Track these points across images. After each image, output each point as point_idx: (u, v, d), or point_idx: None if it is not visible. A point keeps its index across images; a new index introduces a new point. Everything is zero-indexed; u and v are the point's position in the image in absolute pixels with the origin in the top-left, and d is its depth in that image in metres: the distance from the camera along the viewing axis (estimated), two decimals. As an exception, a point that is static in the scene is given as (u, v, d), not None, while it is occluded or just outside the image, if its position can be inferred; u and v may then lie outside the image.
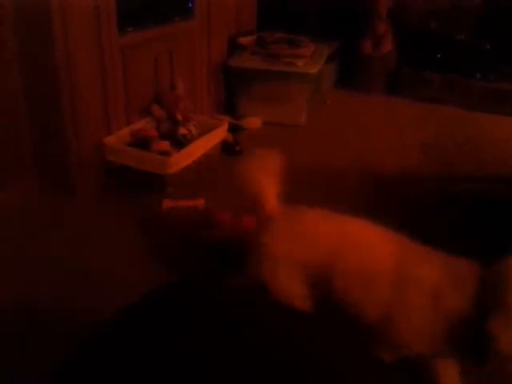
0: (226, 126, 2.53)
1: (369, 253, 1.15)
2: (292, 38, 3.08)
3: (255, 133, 2.85)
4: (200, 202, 2.09)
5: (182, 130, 2.30)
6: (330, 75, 3.49)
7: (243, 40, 3.04)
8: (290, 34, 3.13)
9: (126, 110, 2.26)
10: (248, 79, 2.92)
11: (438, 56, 3.35)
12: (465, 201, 2.25)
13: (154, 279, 1.13)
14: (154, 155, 2.13)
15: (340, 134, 2.92)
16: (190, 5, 2.60)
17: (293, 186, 2.29)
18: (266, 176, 1.31)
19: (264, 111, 2.95)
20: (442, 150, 2.75)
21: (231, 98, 3.03)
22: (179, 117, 2.34)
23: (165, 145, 2.20)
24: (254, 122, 2.92)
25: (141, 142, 2.19)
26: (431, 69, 3.42)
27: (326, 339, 0.70)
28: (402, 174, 2.48)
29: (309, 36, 3.14)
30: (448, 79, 3.36)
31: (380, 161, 2.58)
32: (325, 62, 3.08)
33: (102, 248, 1.82)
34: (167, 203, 2.07)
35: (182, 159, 2.18)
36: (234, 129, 2.72)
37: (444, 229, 2.03)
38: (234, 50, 3.01)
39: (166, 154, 2.16)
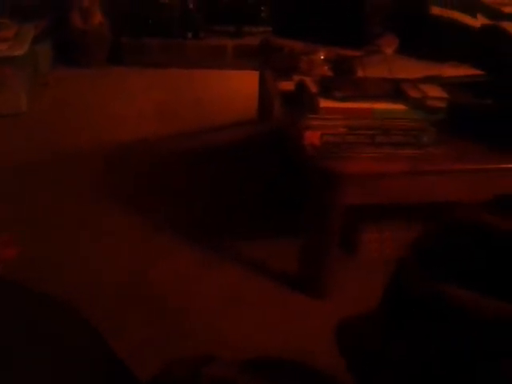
0: None
1: None
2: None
3: (-28, 130, 2.57)
4: None
5: None
6: (47, 55, 3.31)
7: None
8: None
9: None
10: None
11: (150, 22, 3.44)
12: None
13: None
14: None
15: (69, 114, 2.82)
16: None
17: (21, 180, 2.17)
18: None
19: (-23, 105, 2.66)
20: (173, 112, 2.89)
21: None
22: None
23: None
24: (-33, 119, 2.63)
25: None
26: (149, 35, 3.50)
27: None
28: (139, 143, 2.54)
29: (10, 18, 2.91)
30: (165, 43, 3.49)
31: (115, 135, 2.59)
32: (35, 41, 2.91)
33: None
34: None
35: None
36: None
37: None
38: None
39: None
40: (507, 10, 2.25)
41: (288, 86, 1.85)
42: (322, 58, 2.03)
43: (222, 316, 1.52)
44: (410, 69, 1.97)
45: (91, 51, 3.37)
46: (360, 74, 1.89)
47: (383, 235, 1.86)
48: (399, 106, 1.45)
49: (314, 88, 1.52)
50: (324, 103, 1.42)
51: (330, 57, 2.08)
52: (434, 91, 1.52)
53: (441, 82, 1.90)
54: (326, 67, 1.98)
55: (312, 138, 1.40)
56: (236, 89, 3.16)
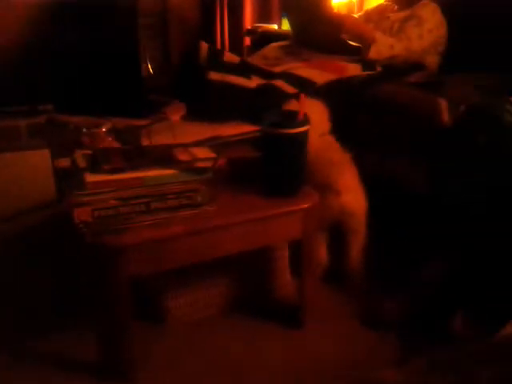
0: None
1: None
2: None
3: None
4: None
5: None
6: None
7: None
8: None
9: None
10: None
11: None
12: None
13: None
14: None
15: None
16: None
17: None
18: None
19: None
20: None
21: None
22: None
23: None
24: None
25: None
26: None
27: None
28: None
29: None
30: None
31: None
32: None
33: None
34: None
35: None
36: None
37: None
38: None
39: None
40: (277, 69, 2.50)
41: (67, 162, 1.79)
42: (104, 130, 2.02)
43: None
44: (194, 133, 2.05)
45: None
46: (145, 142, 1.91)
47: (191, 297, 1.85)
48: (169, 171, 1.48)
49: (82, 163, 1.48)
50: (91, 178, 1.39)
51: (120, 128, 2.08)
52: (203, 152, 1.59)
53: (219, 141, 2.01)
54: (110, 139, 1.97)
55: (82, 214, 1.35)
56: (33, 170, 2.99)
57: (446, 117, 1.88)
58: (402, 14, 2.67)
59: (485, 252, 1.63)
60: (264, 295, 1.96)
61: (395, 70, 2.48)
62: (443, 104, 1.87)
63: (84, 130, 2.04)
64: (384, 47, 2.47)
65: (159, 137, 1.97)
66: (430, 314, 1.74)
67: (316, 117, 1.80)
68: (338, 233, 1.92)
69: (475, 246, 1.67)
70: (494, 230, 1.60)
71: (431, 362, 0.95)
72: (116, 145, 1.93)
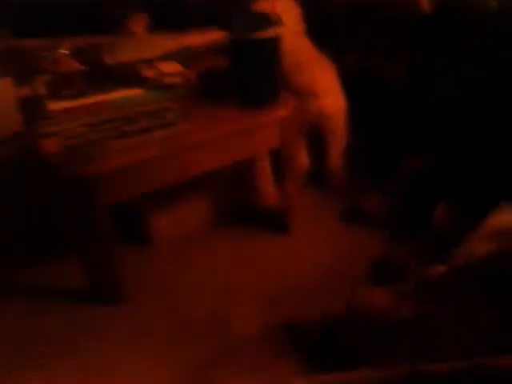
0: None
1: None
2: None
3: None
4: None
5: None
6: None
7: None
8: None
9: None
10: None
11: None
12: None
13: None
14: None
15: None
16: None
17: None
18: None
19: None
20: None
21: None
22: None
23: None
24: None
25: None
26: None
27: None
28: None
29: None
30: None
31: None
32: None
33: None
34: None
35: None
36: None
37: None
38: None
39: None
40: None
41: (28, 91, 1.69)
42: (64, 52, 1.89)
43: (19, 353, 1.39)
44: (159, 46, 1.92)
45: None
46: (109, 60, 1.79)
47: (176, 214, 1.84)
48: (136, 91, 1.40)
49: (44, 90, 1.39)
50: (54, 106, 1.31)
51: (81, 47, 1.95)
52: (171, 67, 1.50)
53: (187, 53, 1.89)
54: (71, 61, 1.85)
55: (50, 146, 1.29)
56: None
57: (425, 4, 1.77)
58: None
59: (473, 151, 1.59)
60: (248, 205, 1.95)
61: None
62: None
63: (43, 53, 1.91)
64: None
65: (123, 53, 1.85)
66: (411, 208, 1.75)
67: (288, 16, 1.69)
68: (317, 136, 1.89)
69: (463, 147, 1.62)
70: (490, 132, 1.53)
71: (417, 285, 0.95)
72: (78, 66, 1.82)
